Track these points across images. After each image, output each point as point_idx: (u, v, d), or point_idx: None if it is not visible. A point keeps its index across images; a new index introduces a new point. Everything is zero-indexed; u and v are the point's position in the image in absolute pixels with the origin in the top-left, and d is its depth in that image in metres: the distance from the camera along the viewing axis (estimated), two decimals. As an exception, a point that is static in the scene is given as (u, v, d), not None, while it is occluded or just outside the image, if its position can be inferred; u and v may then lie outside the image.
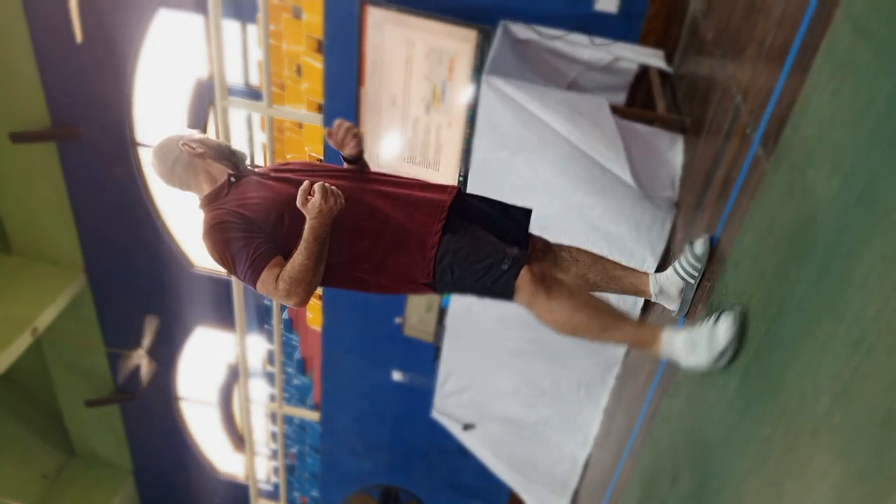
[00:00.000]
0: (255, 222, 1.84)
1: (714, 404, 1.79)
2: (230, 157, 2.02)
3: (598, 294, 2.07)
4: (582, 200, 2.68)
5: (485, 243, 1.92)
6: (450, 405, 3.52)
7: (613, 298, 2.14)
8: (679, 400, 2.11)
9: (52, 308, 8.44)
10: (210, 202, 1.94)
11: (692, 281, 2.03)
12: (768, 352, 1.52)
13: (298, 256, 1.78)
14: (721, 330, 1.70)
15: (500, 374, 3.34)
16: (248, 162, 2.06)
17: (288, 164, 2.12)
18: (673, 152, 2.65)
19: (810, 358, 1.33)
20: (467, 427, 3.58)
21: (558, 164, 2.61)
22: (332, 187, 1.74)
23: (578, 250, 2.12)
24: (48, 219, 8.51)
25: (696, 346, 1.78)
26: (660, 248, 2.62)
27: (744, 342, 1.67)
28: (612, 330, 1.91)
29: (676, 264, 2.05)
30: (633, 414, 2.59)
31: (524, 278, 1.86)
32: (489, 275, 1.88)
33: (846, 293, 1.25)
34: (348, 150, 2.04)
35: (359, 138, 2.03)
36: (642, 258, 2.68)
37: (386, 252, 1.92)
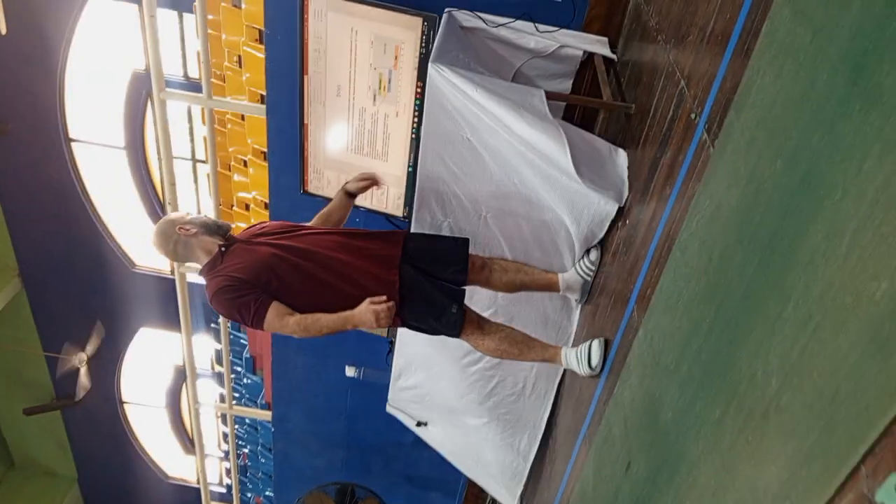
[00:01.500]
0: (249, 281, 2.33)
1: (666, 388, 1.80)
2: (217, 231, 2.48)
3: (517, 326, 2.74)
4: (527, 192, 2.68)
5: (435, 299, 2.51)
6: (403, 401, 3.49)
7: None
8: (631, 384, 2.12)
9: (-15, 313, 8.06)
10: (210, 270, 2.43)
11: (589, 279, 2.72)
12: (718, 334, 1.54)
13: (325, 322, 2.35)
14: (594, 353, 2.48)
15: (449, 372, 3.32)
16: (230, 230, 2.54)
17: (263, 227, 2.63)
18: (616, 157, 2.64)
19: (759, 339, 1.34)
20: (420, 424, 3.55)
21: (504, 154, 2.60)
22: (389, 314, 2.32)
23: (507, 261, 2.75)
24: (-24, 220, 8.11)
25: (580, 362, 2.55)
26: (598, 235, 2.61)
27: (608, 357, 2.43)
28: (526, 353, 2.65)
29: (577, 267, 2.73)
30: (586, 400, 2.60)
31: (466, 323, 2.54)
32: (441, 321, 2.51)
33: (792, 274, 1.26)
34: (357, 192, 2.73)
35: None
36: (582, 246, 2.68)
37: (354, 297, 2.38)
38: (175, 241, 2.43)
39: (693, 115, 1.95)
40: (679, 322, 1.78)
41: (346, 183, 2.74)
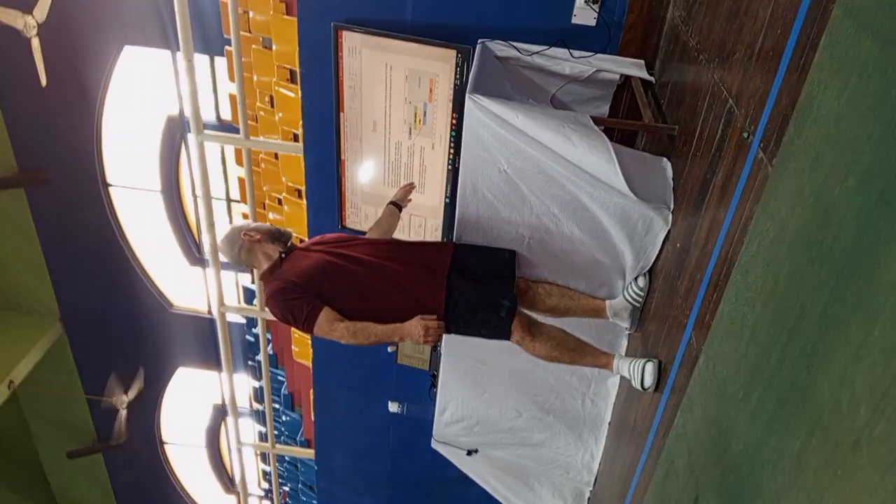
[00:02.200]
0: (302, 285, 2.45)
1: (734, 419, 1.72)
2: (279, 238, 2.62)
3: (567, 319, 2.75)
4: (569, 220, 2.64)
5: (484, 299, 2.55)
6: (450, 433, 3.42)
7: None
8: (693, 414, 2.04)
9: (28, 359, 8.19)
10: (269, 274, 2.56)
11: (638, 305, 2.66)
12: (792, 361, 1.46)
13: (374, 331, 2.43)
14: (647, 375, 2.45)
15: (500, 397, 3.25)
16: (291, 238, 2.67)
17: (322, 237, 2.74)
18: (662, 167, 2.62)
19: (842, 366, 1.27)
20: (470, 453, 3.48)
21: (549, 179, 2.56)
22: (437, 333, 2.43)
23: (551, 285, 2.76)
24: (20, 267, 8.30)
25: (633, 375, 2.54)
26: (651, 256, 2.58)
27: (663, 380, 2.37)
28: (579, 359, 2.68)
29: (625, 293, 2.68)
30: (644, 429, 2.52)
31: (515, 326, 2.55)
32: (490, 322, 2.54)
33: (876, 296, 1.19)
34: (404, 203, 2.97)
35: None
36: (634, 266, 2.64)
37: (403, 304, 2.48)
38: (240, 246, 2.58)
39: (745, 134, 1.90)
40: (745, 349, 1.71)
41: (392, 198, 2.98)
